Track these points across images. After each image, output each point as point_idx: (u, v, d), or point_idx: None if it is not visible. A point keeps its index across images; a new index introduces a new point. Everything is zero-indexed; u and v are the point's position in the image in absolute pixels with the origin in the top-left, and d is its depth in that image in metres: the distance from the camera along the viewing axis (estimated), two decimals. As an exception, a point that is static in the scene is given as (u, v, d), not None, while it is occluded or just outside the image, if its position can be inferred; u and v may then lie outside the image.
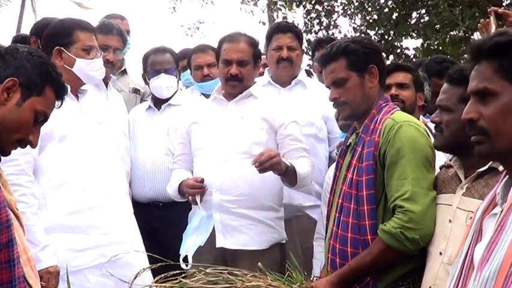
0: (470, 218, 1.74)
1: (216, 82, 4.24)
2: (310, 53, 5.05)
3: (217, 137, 3.49)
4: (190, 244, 3.43)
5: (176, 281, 2.45)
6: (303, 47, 4.58)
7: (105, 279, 3.00)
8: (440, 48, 12.66)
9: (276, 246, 3.50)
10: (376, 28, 13.10)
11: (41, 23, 3.84)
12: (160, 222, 4.09)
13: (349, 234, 2.65)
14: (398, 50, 13.55)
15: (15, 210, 2.01)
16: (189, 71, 4.65)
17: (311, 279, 2.71)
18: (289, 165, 3.31)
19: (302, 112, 3.87)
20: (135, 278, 2.48)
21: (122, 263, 2.97)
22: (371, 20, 13.12)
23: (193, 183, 3.42)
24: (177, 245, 3.53)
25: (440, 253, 2.45)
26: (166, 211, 4.12)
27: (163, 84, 4.27)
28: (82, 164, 3.21)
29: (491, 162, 2.33)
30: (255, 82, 3.68)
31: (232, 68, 3.48)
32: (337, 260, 2.68)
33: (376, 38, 12.92)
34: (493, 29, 3.34)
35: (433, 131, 2.63)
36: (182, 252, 3.40)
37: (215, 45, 3.88)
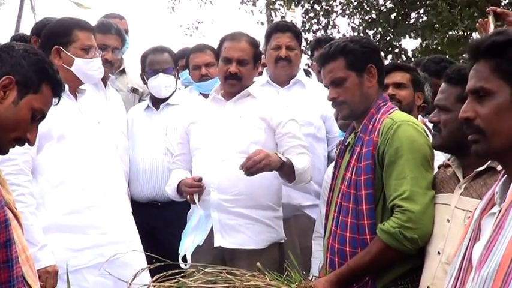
0: (469, 217, 1.74)
1: (214, 82, 4.24)
2: (308, 52, 5.04)
3: (215, 136, 3.49)
4: (189, 243, 3.43)
5: (175, 281, 2.45)
6: (302, 47, 4.57)
7: (103, 279, 3.00)
8: (439, 48, 12.68)
9: (274, 245, 3.50)
10: (375, 28, 13.11)
11: (42, 23, 3.84)
12: (159, 221, 4.09)
13: (347, 234, 2.65)
14: (397, 50, 13.57)
15: (13, 210, 2.00)
16: (187, 70, 4.64)
17: (310, 278, 2.71)
18: (286, 160, 3.30)
19: (300, 112, 3.87)
20: (134, 277, 2.47)
21: (120, 262, 2.97)
22: (370, 20, 13.13)
23: (191, 182, 3.42)
24: (175, 244, 3.53)
25: (439, 252, 2.45)
26: (165, 211, 4.12)
27: (161, 83, 4.27)
28: (80, 164, 3.21)
29: (489, 161, 2.33)
30: (254, 82, 3.68)
31: (231, 67, 3.48)
32: (336, 259, 2.68)
33: (375, 37, 12.93)
34: (492, 28, 3.34)
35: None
36: (181, 252, 3.40)
37: (214, 45, 3.88)
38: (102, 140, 3.39)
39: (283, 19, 14.45)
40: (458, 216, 2.39)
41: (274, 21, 11.06)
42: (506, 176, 1.56)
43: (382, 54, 11.79)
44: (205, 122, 3.59)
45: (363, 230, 2.61)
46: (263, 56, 4.15)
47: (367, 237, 2.59)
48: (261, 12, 16.35)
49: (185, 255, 3.35)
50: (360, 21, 13.65)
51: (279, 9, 15.42)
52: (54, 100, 2.06)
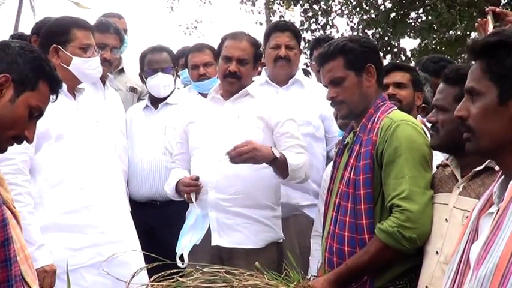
0: (467, 217, 1.74)
1: (212, 81, 4.25)
2: (307, 52, 5.04)
3: (213, 136, 3.49)
4: (186, 243, 3.43)
5: (173, 280, 2.45)
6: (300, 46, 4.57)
7: (101, 278, 3.00)
8: (438, 48, 12.69)
9: (272, 245, 3.50)
10: (374, 27, 13.12)
11: (42, 22, 3.84)
12: (157, 221, 4.09)
13: (346, 233, 2.65)
14: (396, 50, 13.57)
15: (12, 209, 2.00)
16: (187, 69, 4.65)
17: (308, 278, 2.71)
18: (279, 155, 3.30)
19: (299, 111, 3.87)
20: (132, 277, 2.47)
21: (119, 262, 2.97)
22: (369, 20, 13.14)
23: (189, 182, 3.42)
24: (174, 244, 3.53)
25: (437, 252, 2.45)
26: (163, 210, 4.12)
27: (160, 83, 4.27)
28: (79, 163, 3.21)
29: (487, 161, 2.33)
30: (253, 81, 3.68)
31: (231, 65, 3.49)
32: (334, 258, 2.68)
33: (373, 37, 12.93)
34: (491, 28, 3.35)
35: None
36: (178, 251, 3.40)
37: (213, 45, 3.87)
38: (100, 139, 3.39)
39: (282, 18, 14.48)
40: (457, 216, 2.39)
41: (273, 21, 11.06)
42: (504, 175, 1.56)
43: (381, 54, 11.78)
44: (204, 121, 3.59)
45: (361, 230, 2.60)
46: (262, 56, 4.15)
47: (366, 236, 2.59)
48: (259, 12, 16.37)
49: (182, 255, 3.35)
50: (359, 20, 13.66)
51: (278, 9, 15.43)
52: (52, 97, 2.05)
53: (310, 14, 14.08)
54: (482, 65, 1.56)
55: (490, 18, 3.38)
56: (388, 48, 13.50)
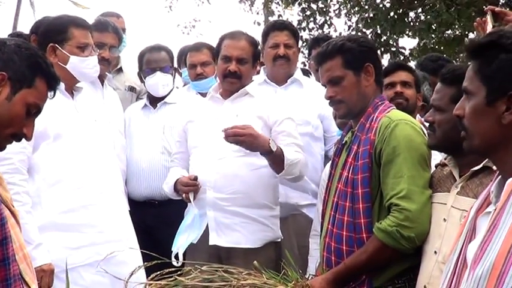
0: (465, 216, 1.74)
1: (210, 81, 4.25)
2: (305, 51, 5.03)
3: (212, 135, 3.49)
4: (182, 241, 3.43)
5: (171, 279, 2.45)
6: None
7: (100, 277, 3.00)
8: (437, 47, 12.70)
9: (270, 244, 3.50)
10: (373, 26, 13.12)
11: (41, 21, 3.83)
12: (156, 220, 4.09)
13: (344, 232, 2.65)
14: (394, 49, 13.58)
15: (11, 208, 2.00)
16: (188, 68, 4.65)
17: (307, 277, 2.71)
18: (275, 149, 3.29)
19: (298, 111, 3.87)
20: (130, 275, 2.47)
21: (117, 261, 2.97)
22: (368, 19, 13.14)
23: (187, 181, 3.42)
24: (172, 243, 3.53)
25: (435, 252, 2.45)
26: (162, 209, 4.12)
27: (158, 82, 4.27)
28: (77, 162, 3.21)
29: (485, 161, 2.33)
30: (252, 81, 3.68)
31: (231, 65, 3.48)
32: (333, 258, 2.68)
33: (372, 37, 12.93)
34: (490, 28, 3.34)
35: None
36: (174, 250, 3.41)
37: (212, 44, 3.86)
38: (99, 138, 3.39)
39: (280, 18, 14.48)
40: (455, 215, 2.40)
41: (272, 20, 11.05)
42: (501, 175, 1.57)
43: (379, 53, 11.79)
44: (203, 120, 3.59)
45: (359, 229, 2.60)
46: (261, 55, 4.15)
47: (364, 235, 2.59)
48: (258, 13, 16.37)
49: (178, 254, 3.35)
50: (358, 19, 13.66)
51: (276, 8, 15.42)
52: (50, 94, 2.04)
53: (308, 13, 14.08)
54: (475, 66, 1.58)
55: (489, 17, 3.37)
56: (387, 48, 13.50)
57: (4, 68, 1.93)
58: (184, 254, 3.37)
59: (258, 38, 4.30)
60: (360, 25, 13.45)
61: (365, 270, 2.59)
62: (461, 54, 12.78)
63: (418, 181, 2.57)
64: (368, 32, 13.33)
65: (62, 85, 3.14)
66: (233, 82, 3.52)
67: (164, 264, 2.61)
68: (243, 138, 3.20)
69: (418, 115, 3.54)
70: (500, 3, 10.82)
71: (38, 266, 2.89)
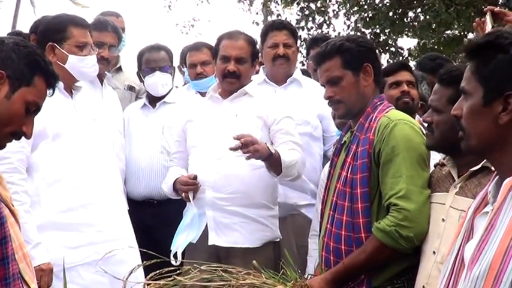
0: (463, 217, 1.75)
1: (210, 80, 4.25)
2: (303, 50, 5.03)
3: (211, 134, 3.49)
4: (181, 241, 3.43)
5: (170, 279, 2.45)
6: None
7: (99, 277, 3.00)
8: (436, 47, 12.70)
9: (269, 244, 3.50)
10: (373, 26, 13.12)
11: (40, 20, 3.83)
12: (154, 219, 4.09)
13: (343, 232, 2.65)
14: (393, 49, 13.59)
15: (11, 207, 2.00)
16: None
17: (305, 277, 2.71)
18: (273, 152, 3.29)
19: (297, 110, 3.87)
20: (129, 274, 2.47)
21: (116, 260, 2.97)
22: (367, 19, 13.14)
23: (186, 180, 3.42)
24: (171, 242, 3.52)
25: (434, 252, 2.45)
26: (161, 209, 4.12)
27: (158, 82, 4.27)
28: (76, 162, 3.21)
29: (484, 161, 2.33)
30: (251, 80, 3.68)
31: (230, 65, 3.48)
32: (331, 257, 2.69)
33: (371, 36, 12.94)
34: (489, 28, 3.34)
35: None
36: (173, 249, 3.41)
37: (211, 43, 3.86)
38: (98, 137, 3.38)
39: (279, 17, 14.48)
40: (453, 215, 2.40)
41: (270, 20, 11.06)
42: (498, 175, 1.57)
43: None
44: (202, 120, 3.59)
45: (358, 228, 2.61)
46: (259, 54, 4.15)
47: (362, 235, 2.59)
48: (257, 13, 16.37)
49: (176, 253, 3.35)
50: (357, 19, 13.66)
51: (275, 7, 15.42)
52: (49, 91, 2.04)
53: (306, 12, 14.08)
54: (472, 66, 1.58)
55: (488, 18, 3.37)
56: (385, 48, 13.51)
57: (3, 66, 1.92)
58: (183, 254, 3.37)
59: (257, 37, 4.31)
60: (359, 25, 13.46)
61: (364, 270, 2.59)
62: (461, 54, 12.77)
63: (417, 181, 2.57)
64: (367, 31, 13.33)
65: (61, 84, 3.14)
66: (232, 82, 3.52)
67: (163, 263, 2.61)
68: (251, 148, 3.14)
69: (417, 115, 3.55)
70: (499, 3, 10.82)
71: (37, 265, 2.89)
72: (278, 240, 3.59)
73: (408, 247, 2.52)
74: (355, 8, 13.53)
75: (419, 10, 13.19)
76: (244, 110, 3.51)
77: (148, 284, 2.46)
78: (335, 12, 14.22)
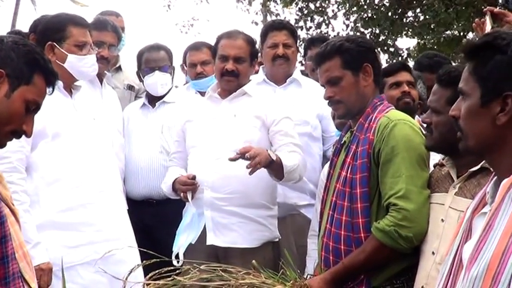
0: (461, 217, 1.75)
1: (210, 79, 4.24)
2: (302, 50, 5.02)
3: (210, 134, 3.49)
4: (182, 242, 3.43)
5: (169, 278, 2.45)
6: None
7: (98, 276, 3.00)
8: (435, 47, 12.72)
9: (268, 244, 3.50)
10: (373, 26, 13.13)
11: (40, 20, 3.83)
12: (154, 219, 4.09)
13: (342, 232, 2.65)
14: (392, 49, 13.59)
15: (11, 206, 1.99)
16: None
17: (305, 277, 2.71)
18: (275, 158, 3.29)
19: (297, 111, 3.87)
20: (129, 274, 2.47)
21: (115, 260, 2.97)
22: (367, 19, 13.15)
23: (185, 181, 3.42)
24: (170, 242, 3.53)
25: (433, 253, 2.45)
26: (160, 208, 4.12)
27: (157, 81, 4.27)
28: (75, 161, 3.20)
29: (483, 162, 2.34)
30: (250, 80, 3.68)
31: (228, 64, 3.48)
32: (331, 257, 2.69)
33: (371, 36, 12.95)
34: (489, 28, 3.35)
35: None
36: (175, 250, 3.40)
37: (210, 43, 3.85)
38: (97, 137, 3.38)
39: (278, 17, 14.49)
40: (452, 216, 2.40)
41: (270, 20, 11.05)
42: (496, 176, 1.57)
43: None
44: (201, 120, 3.59)
45: (357, 228, 2.61)
46: (259, 54, 4.14)
47: (362, 235, 2.60)
48: (256, 13, 16.37)
49: (178, 254, 3.35)
50: (356, 19, 13.67)
51: (275, 7, 15.43)
52: (48, 90, 2.04)
53: (305, 12, 14.09)
54: (470, 66, 1.59)
55: (488, 18, 3.38)
56: (385, 48, 13.52)
57: (2, 65, 1.92)
58: (183, 254, 3.37)
59: (256, 37, 4.31)
60: (359, 25, 13.46)
61: (363, 270, 2.60)
62: (460, 55, 12.78)
63: (417, 181, 2.57)
64: (366, 32, 13.34)
65: (60, 84, 3.14)
66: (230, 80, 3.52)
67: (162, 263, 2.61)
68: (257, 160, 3.12)
69: (416, 116, 3.55)
70: (499, 3, 10.83)
71: (37, 264, 2.88)
72: (277, 240, 3.59)
73: (407, 247, 2.52)
74: (355, 8, 13.53)
75: (418, 10, 13.20)
76: (243, 110, 3.50)
77: (147, 284, 2.46)
78: (334, 12, 14.22)
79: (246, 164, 3.16)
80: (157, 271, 2.48)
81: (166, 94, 4.33)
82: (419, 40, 13.48)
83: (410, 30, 13.25)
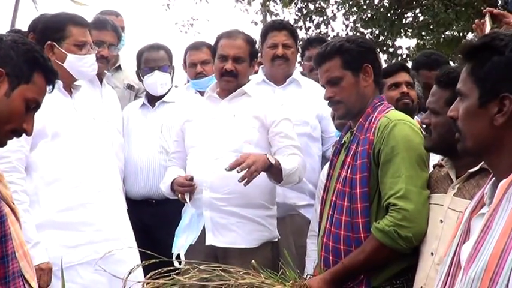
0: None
1: (210, 79, 4.24)
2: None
3: (209, 135, 3.49)
4: (182, 242, 3.43)
5: (169, 278, 2.45)
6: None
7: (97, 276, 3.00)
8: (435, 48, 12.72)
9: (267, 244, 3.49)
10: (372, 27, 13.13)
11: (39, 19, 3.83)
12: (153, 219, 4.09)
13: (342, 232, 2.65)
14: (392, 50, 13.59)
15: (11, 205, 1.99)
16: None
17: (304, 277, 2.71)
18: (274, 161, 3.29)
19: (296, 111, 3.87)
20: (129, 274, 2.47)
21: (114, 259, 2.96)
22: (366, 19, 13.15)
23: (183, 182, 3.41)
24: (169, 242, 3.53)
25: (432, 253, 2.45)
26: (159, 208, 4.12)
27: (157, 81, 4.26)
28: (75, 161, 3.20)
29: (482, 162, 2.34)
30: (250, 80, 3.68)
31: (227, 64, 3.47)
32: (330, 257, 2.69)
33: (370, 37, 12.94)
34: (488, 29, 3.35)
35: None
36: (175, 251, 3.40)
37: (210, 42, 3.85)
38: (97, 136, 3.38)
39: (277, 16, 14.48)
40: (451, 217, 2.40)
41: (269, 20, 11.05)
42: (494, 176, 1.58)
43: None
44: (200, 120, 3.58)
45: (357, 228, 2.61)
46: (259, 54, 4.14)
47: (361, 235, 2.60)
48: (256, 13, 16.35)
49: (179, 254, 3.35)
50: (356, 19, 13.67)
51: (274, 6, 15.42)
52: (48, 88, 2.04)
53: (304, 12, 14.09)
54: (468, 68, 1.59)
55: (487, 19, 3.38)
56: (384, 48, 13.52)
57: (1, 64, 1.91)
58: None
59: (256, 37, 4.31)
60: (358, 25, 13.46)
61: (363, 270, 2.60)
62: (460, 55, 12.78)
63: (416, 181, 2.57)
64: (366, 32, 13.34)
65: (60, 83, 3.13)
66: (229, 80, 3.51)
67: (162, 263, 2.61)
68: (253, 169, 3.15)
69: (416, 116, 3.55)
70: (498, 4, 10.84)
71: (36, 264, 2.87)
72: (276, 240, 3.58)
73: (407, 247, 2.53)
74: (354, 9, 13.53)
75: (418, 10, 13.21)
76: (242, 110, 3.50)
77: (147, 283, 2.46)
78: (333, 13, 14.21)
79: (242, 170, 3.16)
80: (156, 271, 2.48)
81: (166, 94, 4.33)
82: (418, 40, 13.48)
83: (409, 30, 13.25)
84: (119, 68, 4.70)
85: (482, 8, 3.81)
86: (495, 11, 3.46)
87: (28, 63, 1.96)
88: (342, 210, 2.67)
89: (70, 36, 3.26)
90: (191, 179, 3.39)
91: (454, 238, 1.63)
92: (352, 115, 2.80)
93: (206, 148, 3.47)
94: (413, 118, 3.24)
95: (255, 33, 3.98)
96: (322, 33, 13.78)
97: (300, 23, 14.12)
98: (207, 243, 3.39)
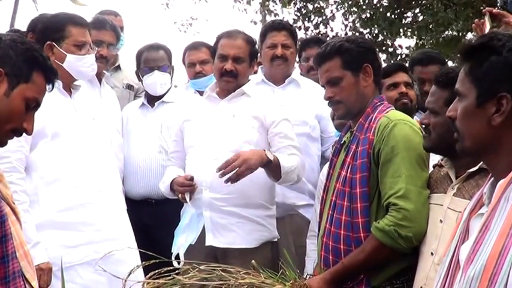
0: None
1: (209, 79, 4.24)
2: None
3: (208, 135, 3.48)
4: (181, 242, 3.43)
5: (169, 278, 2.45)
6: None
7: (97, 276, 3.00)
8: (434, 48, 12.72)
9: (267, 244, 3.49)
10: (372, 26, 13.13)
11: (38, 19, 3.83)
12: (152, 219, 4.09)
13: (342, 232, 2.65)
14: (391, 49, 13.59)
15: (11, 205, 1.99)
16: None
17: (304, 276, 2.71)
18: (273, 158, 3.29)
19: (295, 111, 3.87)
20: (129, 274, 2.47)
21: (114, 259, 2.96)
22: (366, 19, 13.15)
23: (183, 181, 3.41)
24: (169, 242, 3.53)
25: (432, 253, 2.45)
26: (158, 208, 4.12)
27: (156, 81, 4.26)
28: (75, 161, 3.20)
29: (481, 162, 2.34)
30: (249, 80, 3.68)
31: (227, 64, 3.47)
32: (330, 257, 2.69)
33: (369, 36, 12.95)
34: (487, 29, 3.35)
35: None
36: (174, 251, 3.40)
37: (209, 42, 3.85)
38: (96, 136, 3.38)
39: (277, 16, 14.48)
40: (451, 217, 2.40)
41: (268, 20, 11.04)
42: (493, 176, 1.58)
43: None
44: (199, 120, 3.58)
45: (357, 228, 2.61)
46: (258, 54, 4.14)
47: (361, 235, 2.60)
48: (256, 12, 16.35)
49: (178, 254, 3.35)
50: (355, 19, 13.68)
51: (273, 6, 15.41)
52: (48, 87, 2.03)
53: (304, 12, 14.09)
54: (466, 67, 1.60)
55: (487, 19, 3.38)
56: (383, 48, 13.52)
57: (0, 63, 1.91)
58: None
59: (255, 37, 4.30)
60: (357, 25, 13.47)
61: (363, 270, 2.60)
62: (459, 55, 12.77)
63: (416, 181, 2.58)
64: (365, 32, 13.34)
65: (59, 83, 3.13)
66: (229, 81, 3.51)
67: (162, 263, 2.61)
68: (243, 168, 3.18)
69: (416, 116, 3.55)
70: (498, 3, 10.84)
71: (36, 264, 2.87)
72: (276, 240, 3.58)
73: (407, 247, 2.53)
74: (354, 8, 13.53)
75: (417, 10, 13.21)
76: (242, 111, 3.50)
77: (147, 283, 2.46)
78: (332, 12, 14.21)
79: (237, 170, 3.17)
80: (156, 271, 2.48)
81: (165, 94, 4.33)
82: (418, 40, 13.49)
83: (409, 30, 13.25)
84: (118, 67, 4.70)
85: (481, 7, 3.81)
86: (494, 10, 3.46)
87: (27, 62, 1.96)
88: (342, 209, 2.67)
89: (70, 36, 3.26)
90: (191, 178, 3.39)
91: (453, 238, 1.63)
92: (352, 115, 2.81)
93: (205, 148, 3.47)
94: (412, 118, 3.25)
95: (254, 33, 3.98)
96: (322, 33, 13.79)
97: (299, 23, 14.12)
98: (207, 243, 3.39)
